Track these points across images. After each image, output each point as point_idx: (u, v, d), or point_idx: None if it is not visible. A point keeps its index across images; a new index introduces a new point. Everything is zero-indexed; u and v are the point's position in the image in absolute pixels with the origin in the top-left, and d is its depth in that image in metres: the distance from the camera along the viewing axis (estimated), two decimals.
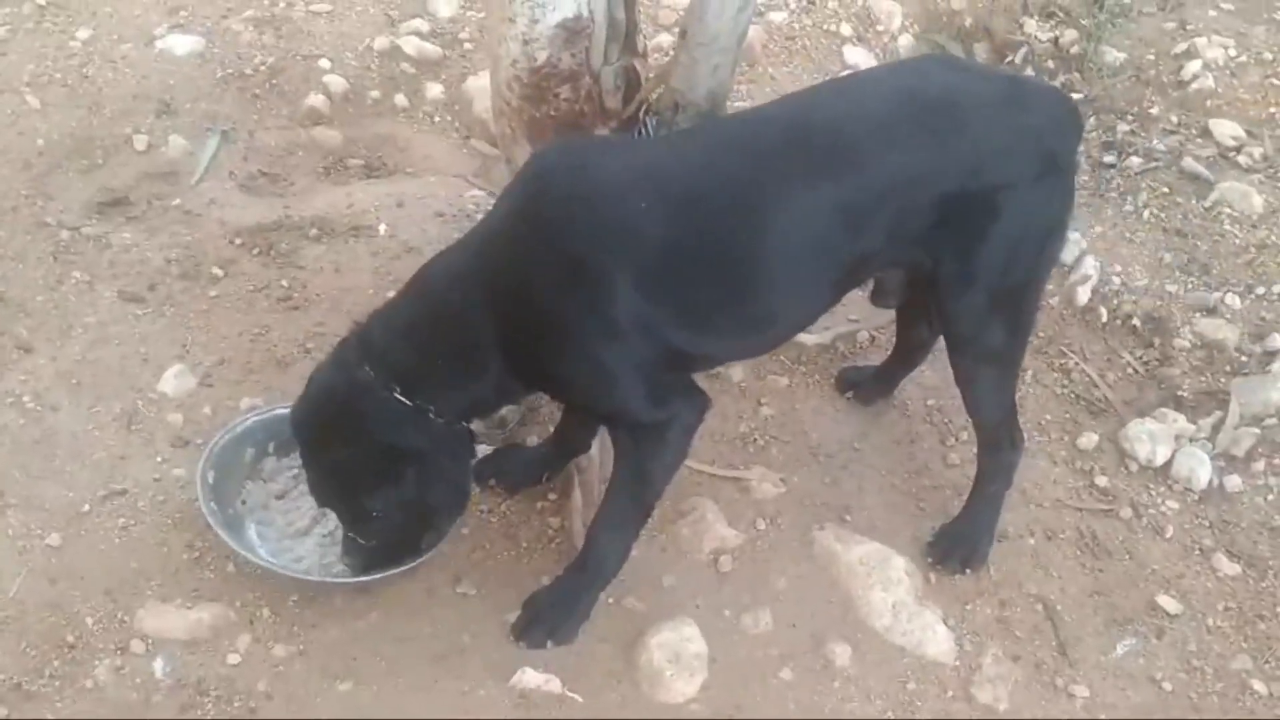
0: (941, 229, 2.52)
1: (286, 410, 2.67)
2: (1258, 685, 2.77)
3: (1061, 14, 4.65)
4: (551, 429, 3.00)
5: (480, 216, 2.85)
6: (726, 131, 2.68)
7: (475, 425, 2.68)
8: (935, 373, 3.28)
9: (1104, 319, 3.57)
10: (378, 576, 2.66)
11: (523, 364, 2.49)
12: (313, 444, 2.55)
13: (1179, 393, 3.39)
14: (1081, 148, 4.13)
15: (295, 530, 2.82)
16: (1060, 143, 2.61)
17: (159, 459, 2.90)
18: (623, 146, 2.83)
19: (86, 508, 2.78)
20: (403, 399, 2.47)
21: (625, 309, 2.37)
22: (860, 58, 4.53)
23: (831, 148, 2.47)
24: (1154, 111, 4.31)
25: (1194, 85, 4.36)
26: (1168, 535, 3.07)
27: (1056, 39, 4.57)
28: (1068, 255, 3.68)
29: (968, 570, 2.91)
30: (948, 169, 2.49)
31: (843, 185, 2.46)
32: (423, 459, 2.50)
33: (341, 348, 2.55)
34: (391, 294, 2.66)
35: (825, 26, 4.65)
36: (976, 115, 2.53)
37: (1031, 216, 2.58)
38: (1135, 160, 4.10)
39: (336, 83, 4.13)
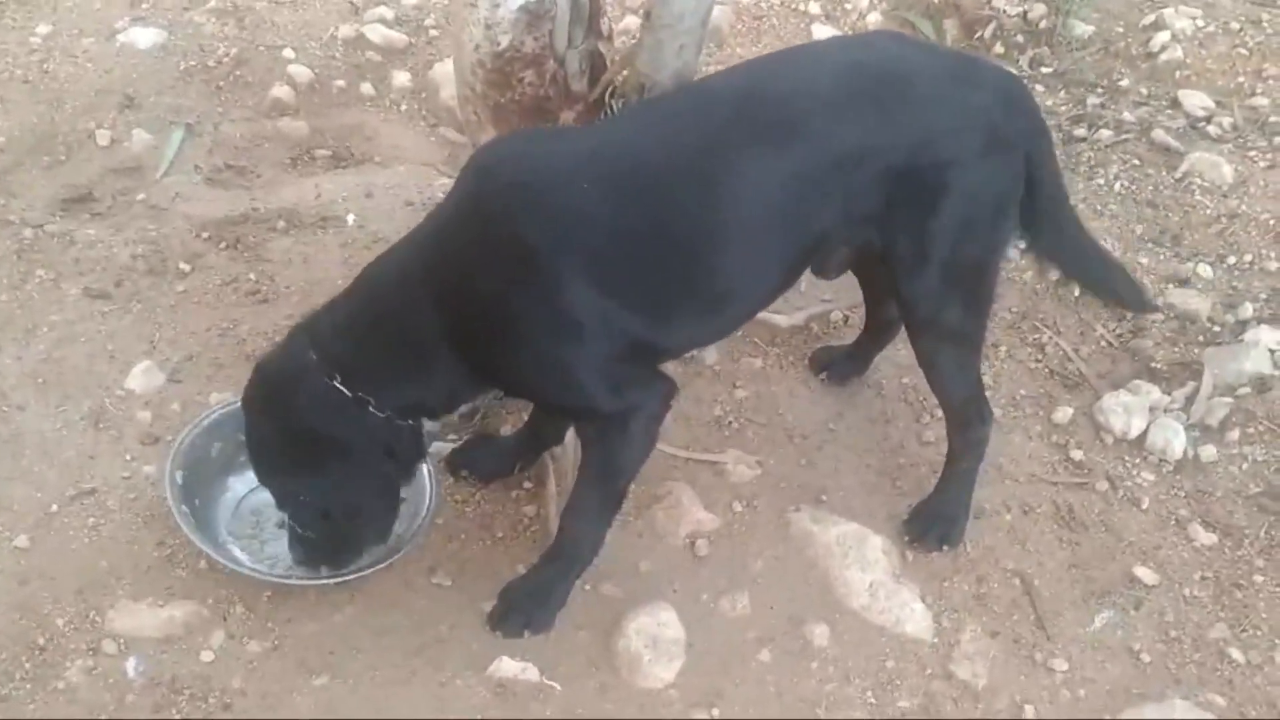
0: (892, 206, 2.51)
1: None
2: (1235, 654, 2.77)
3: None
4: (525, 417, 2.98)
5: None
6: (673, 108, 2.64)
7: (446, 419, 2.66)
8: (909, 351, 3.24)
9: (1076, 292, 3.56)
10: (352, 576, 2.64)
11: (476, 360, 2.45)
12: (252, 422, 2.53)
13: (1152, 364, 3.39)
14: (1052, 121, 4.14)
15: (269, 529, 2.81)
16: (1007, 119, 2.59)
17: (128, 456, 2.88)
18: (569, 132, 2.79)
19: (55, 508, 2.75)
20: (342, 388, 2.43)
21: (576, 298, 2.33)
22: (828, 35, 4.51)
23: (780, 121, 2.44)
24: (1123, 84, 4.31)
25: (1163, 56, 4.36)
26: (1144, 507, 3.07)
27: (1025, 13, 4.56)
28: None
29: (944, 547, 2.91)
30: (896, 143, 2.48)
31: (792, 159, 2.43)
32: (349, 452, 2.47)
33: (293, 332, 2.54)
34: None
35: (793, 5, 4.63)
36: (924, 90, 2.52)
37: (981, 192, 2.57)
38: (1105, 133, 4.10)
39: (301, 73, 4.10)
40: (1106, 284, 2.98)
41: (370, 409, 2.45)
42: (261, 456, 2.54)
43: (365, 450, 2.48)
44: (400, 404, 2.49)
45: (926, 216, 2.53)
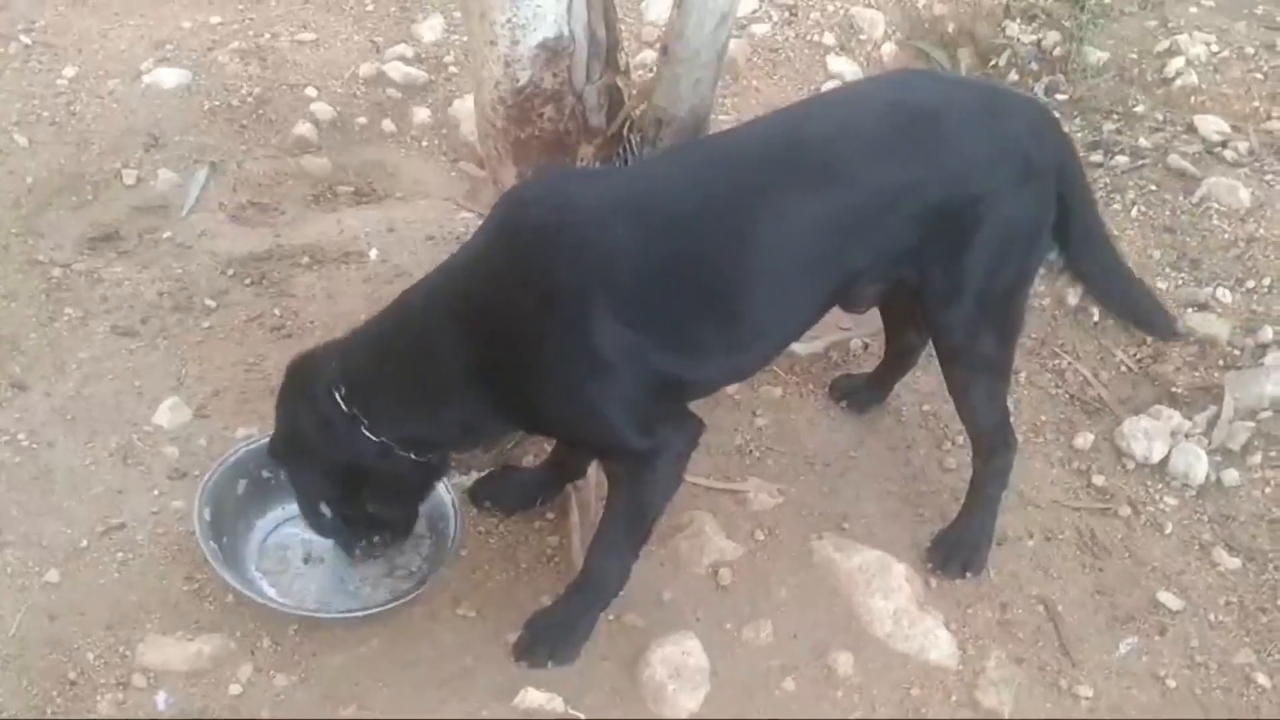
0: (927, 240, 2.52)
1: None
2: (1261, 679, 2.76)
3: (1044, 16, 4.67)
4: (548, 449, 3.00)
5: None
6: (709, 151, 2.66)
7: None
8: (929, 378, 3.29)
9: (1095, 318, 3.57)
10: (376, 610, 2.68)
11: (503, 398, 2.46)
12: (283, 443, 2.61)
13: (1173, 389, 3.39)
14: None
15: (297, 564, 2.85)
16: (1039, 148, 2.61)
17: (156, 492, 2.91)
18: (603, 173, 2.83)
19: (85, 543, 2.78)
20: (369, 434, 2.47)
21: (607, 338, 2.34)
22: (844, 67, 4.55)
23: (816, 163, 2.47)
24: (1139, 110, 4.32)
25: (1178, 82, 4.38)
26: (1167, 532, 3.07)
27: (1039, 41, 4.59)
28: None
29: (968, 574, 2.91)
30: (932, 180, 2.50)
31: (828, 200, 2.45)
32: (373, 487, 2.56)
33: (321, 364, 2.55)
34: None
35: (808, 37, 4.66)
36: (958, 125, 2.54)
37: (1014, 222, 2.59)
38: (1122, 159, 4.11)
39: (323, 110, 4.15)
40: (1132, 307, 3.00)
41: (363, 430, 2.48)
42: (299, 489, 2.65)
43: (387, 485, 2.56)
44: (404, 435, 2.51)
45: (962, 249, 2.55)
